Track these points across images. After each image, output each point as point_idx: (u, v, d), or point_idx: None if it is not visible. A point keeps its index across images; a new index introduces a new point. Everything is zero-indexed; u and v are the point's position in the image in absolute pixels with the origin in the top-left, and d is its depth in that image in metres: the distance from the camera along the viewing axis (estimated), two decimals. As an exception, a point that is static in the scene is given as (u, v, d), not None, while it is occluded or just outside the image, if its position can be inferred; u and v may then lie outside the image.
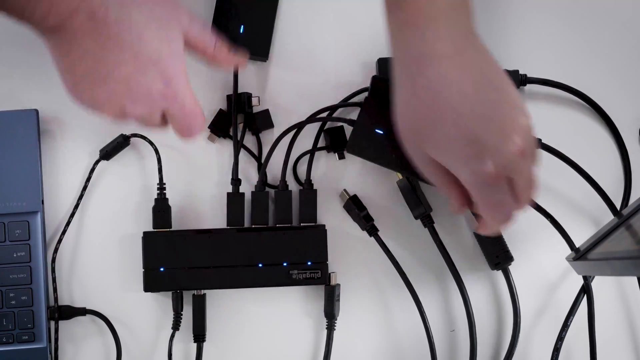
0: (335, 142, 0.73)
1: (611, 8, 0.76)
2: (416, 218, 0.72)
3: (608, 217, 0.72)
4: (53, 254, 0.72)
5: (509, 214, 0.60)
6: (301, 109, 0.73)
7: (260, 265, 0.71)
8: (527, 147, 0.56)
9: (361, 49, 0.75)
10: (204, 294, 0.72)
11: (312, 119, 0.73)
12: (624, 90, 0.75)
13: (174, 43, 0.59)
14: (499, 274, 0.73)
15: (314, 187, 0.73)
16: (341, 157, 0.74)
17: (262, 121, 0.74)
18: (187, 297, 0.72)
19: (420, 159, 0.61)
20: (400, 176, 0.72)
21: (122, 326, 0.73)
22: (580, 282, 0.72)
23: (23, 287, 0.71)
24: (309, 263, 0.71)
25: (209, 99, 0.74)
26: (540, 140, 0.71)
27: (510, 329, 0.73)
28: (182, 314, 0.72)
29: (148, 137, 0.73)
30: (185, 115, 0.61)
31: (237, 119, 0.73)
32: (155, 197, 0.72)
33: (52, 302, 0.72)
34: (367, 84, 0.71)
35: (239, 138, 0.73)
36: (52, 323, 0.72)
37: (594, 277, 0.72)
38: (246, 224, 0.73)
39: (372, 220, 0.72)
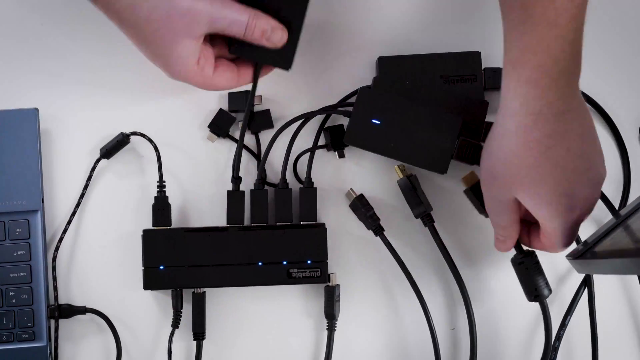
0: (335, 140, 0.73)
1: (610, 7, 0.76)
2: (417, 217, 0.72)
3: (609, 216, 0.72)
4: (54, 253, 0.72)
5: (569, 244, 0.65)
6: (301, 109, 0.74)
7: (259, 263, 0.71)
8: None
9: (361, 48, 0.75)
10: (204, 292, 0.72)
11: (309, 113, 0.73)
12: (623, 90, 0.75)
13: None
14: (499, 273, 0.73)
15: (314, 186, 0.73)
16: (341, 155, 0.74)
17: (262, 121, 0.74)
18: (187, 295, 0.72)
19: (498, 199, 0.64)
20: (400, 175, 0.72)
21: (122, 324, 0.73)
22: (580, 279, 0.73)
23: (23, 285, 0.71)
24: (309, 262, 0.71)
25: (208, 99, 0.74)
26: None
27: (510, 327, 0.73)
28: (181, 312, 0.72)
29: (148, 135, 0.73)
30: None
31: (239, 117, 0.74)
32: (155, 195, 0.73)
33: (52, 301, 0.72)
34: (368, 83, 0.71)
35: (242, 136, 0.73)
36: (52, 322, 0.72)
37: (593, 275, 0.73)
38: (246, 222, 0.73)
39: (379, 220, 0.72)
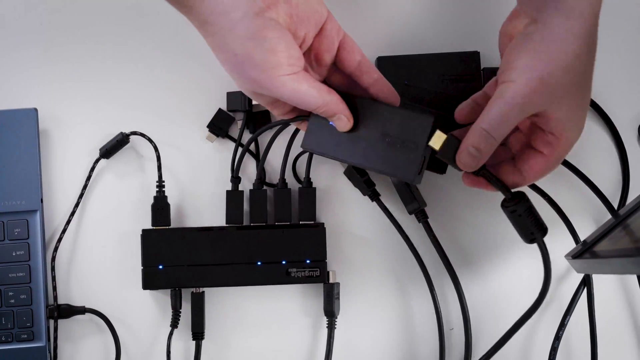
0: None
1: (609, 7, 0.76)
2: (410, 213, 0.72)
3: (608, 216, 0.73)
4: (53, 253, 0.72)
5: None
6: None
7: (259, 263, 0.71)
8: None
9: (360, 47, 0.75)
10: (203, 292, 0.72)
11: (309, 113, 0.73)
12: (622, 90, 0.75)
13: None
14: (493, 270, 0.74)
15: (313, 186, 0.73)
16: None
17: (261, 121, 0.74)
18: (186, 295, 0.72)
19: (530, 110, 0.59)
20: None
21: (121, 324, 0.73)
22: (579, 279, 0.73)
23: (22, 285, 0.71)
24: (308, 261, 0.71)
25: (208, 99, 0.74)
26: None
27: (504, 322, 0.72)
28: (180, 312, 0.72)
29: (147, 135, 0.73)
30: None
31: (237, 116, 0.74)
32: (154, 194, 0.73)
33: (51, 301, 0.72)
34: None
35: (248, 139, 0.73)
36: (51, 322, 0.72)
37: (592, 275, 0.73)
38: (245, 222, 0.73)
39: (374, 185, 0.72)
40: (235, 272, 0.71)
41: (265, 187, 0.73)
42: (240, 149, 0.73)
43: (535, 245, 0.63)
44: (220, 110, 0.74)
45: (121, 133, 0.73)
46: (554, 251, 0.69)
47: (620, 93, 0.75)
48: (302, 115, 0.65)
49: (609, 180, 0.74)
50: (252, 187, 0.72)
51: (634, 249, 0.53)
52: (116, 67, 0.75)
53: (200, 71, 0.74)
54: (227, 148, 0.74)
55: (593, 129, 0.75)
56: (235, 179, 0.72)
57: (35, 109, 0.73)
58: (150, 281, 0.71)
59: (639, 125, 0.75)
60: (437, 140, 0.61)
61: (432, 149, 0.61)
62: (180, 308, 0.72)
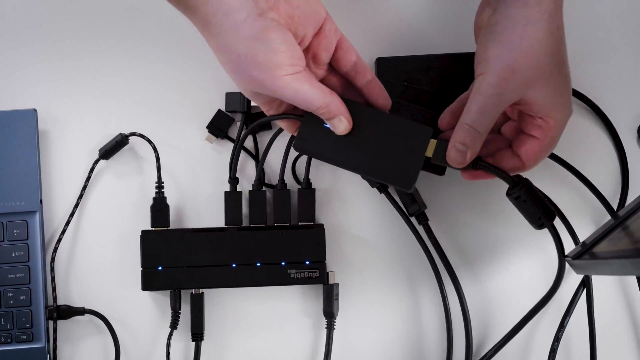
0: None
1: (609, 8, 0.76)
2: (411, 215, 0.72)
3: (607, 217, 0.72)
4: (52, 254, 0.72)
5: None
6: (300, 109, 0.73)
7: (258, 264, 0.71)
8: None
9: (360, 48, 0.74)
10: (202, 293, 0.72)
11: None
12: (621, 91, 0.75)
13: None
14: (493, 271, 0.74)
15: (313, 187, 0.73)
16: (340, 156, 0.74)
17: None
18: (185, 296, 0.72)
19: (506, 98, 0.60)
20: None
21: (121, 325, 0.73)
22: (579, 281, 0.73)
23: (21, 286, 0.71)
24: (307, 262, 0.71)
25: (208, 100, 0.74)
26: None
27: (505, 323, 0.73)
28: (180, 313, 0.72)
29: (147, 136, 0.73)
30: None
31: (237, 117, 0.74)
32: (154, 195, 0.73)
33: (50, 302, 0.72)
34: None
35: (240, 137, 0.73)
36: (51, 323, 0.72)
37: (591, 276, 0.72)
38: (245, 223, 0.73)
39: None
40: (234, 273, 0.71)
41: (264, 188, 0.73)
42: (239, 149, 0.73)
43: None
44: (219, 111, 0.74)
45: (120, 134, 0.73)
46: (553, 252, 0.69)
47: (620, 94, 0.75)
48: (295, 113, 0.65)
49: (608, 181, 0.74)
50: (251, 188, 0.72)
51: (633, 250, 0.53)
52: (115, 68, 0.75)
53: (199, 72, 0.74)
54: (226, 149, 0.74)
55: (592, 129, 0.75)
56: (233, 180, 0.72)
57: (35, 110, 0.73)
58: (149, 282, 0.71)
59: (638, 126, 0.75)
60: (430, 148, 0.62)
61: (427, 157, 0.63)
62: (180, 309, 0.72)
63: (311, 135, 0.63)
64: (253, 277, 0.71)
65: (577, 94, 0.74)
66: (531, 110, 0.62)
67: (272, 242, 0.71)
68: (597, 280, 0.73)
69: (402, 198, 0.72)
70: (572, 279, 0.73)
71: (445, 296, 0.72)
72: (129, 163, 0.75)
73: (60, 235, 0.73)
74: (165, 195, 0.73)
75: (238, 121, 0.74)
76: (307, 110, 0.61)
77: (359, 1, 0.75)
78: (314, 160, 0.73)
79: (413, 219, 0.72)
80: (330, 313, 0.72)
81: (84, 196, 0.73)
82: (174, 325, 0.71)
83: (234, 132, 0.75)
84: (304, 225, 0.72)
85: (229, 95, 0.74)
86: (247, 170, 0.75)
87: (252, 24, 0.57)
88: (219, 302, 0.73)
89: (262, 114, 0.74)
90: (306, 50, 0.62)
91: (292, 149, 0.72)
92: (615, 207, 0.73)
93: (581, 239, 0.71)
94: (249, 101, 0.73)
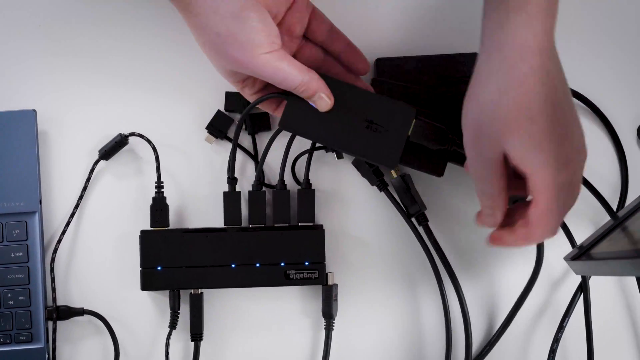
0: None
1: (608, 7, 0.76)
2: (411, 216, 0.72)
3: (606, 218, 0.72)
4: (52, 254, 0.72)
5: (557, 226, 0.58)
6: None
7: (257, 264, 0.71)
8: None
9: (360, 48, 0.75)
10: (201, 293, 0.72)
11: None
12: (621, 92, 0.75)
13: None
14: (493, 271, 0.74)
15: (312, 187, 0.73)
16: (339, 156, 0.74)
17: (260, 123, 0.74)
18: (185, 296, 0.72)
19: (486, 157, 0.57)
20: (394, 175, 0.71)
21: (120, 325, 0.73)
22: (578, 281, 0.73)
23: (21, 287, 0.71)
24: (307, 263, 0.71)
25: (207, 100, 0.74)
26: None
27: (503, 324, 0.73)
28: (179, 313, 0.72)
29: (146, 136, 0.73)
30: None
31: (236, 117, 0.74)
32: (153, 195, 0.73)
33: (50, 302, 0.72)
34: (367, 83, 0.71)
35: (237, 124, 0.73)
36: (50, 323, 0.72)
37: (590, 277, 0.72)
38: (244, 224, 0.73)
39: (382, 175, 0.72)
40: (233, 273, 0.71)
41: (264, 189, 0.73)
42: (237, 150, 0.73)
43: (535, 246, 0.64)
44: (219, 111, 0.74)
45: (120, 134, 0.73)
46: (553, 253, 0.70)
47: (619, 95, 0.75)
48: (278, 92, 0.65)
49: (607, 182, 0.74)
50: (251, 189, 0.72)
51: (632, 251, 0.53)
52: (115, 68, 0.75)
53: (199, 72, 0.74)
54: (226, 149, 0.74)
55: (592, 130, 0.75)
56: (232, 180, 0.72)
57: (34, 110, 0.73)
58: (148, 282, 0.71)
59: (637, 127, 0.75)
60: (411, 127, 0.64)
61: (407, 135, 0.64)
62: (179, 309, 0.72)
63: (296, 113, 0.64)
64: (252, 277, 0.71)
65: (576, 94, 0.74)
66: (516, 167, 0.56)
67: (272, 243, 0.71)
68: (596, 281, 0.73)
69: (402, 198, 0.72)
70: (571, 281, 0.73)
71: (445, 296, 0.72)
72: (128, 163, 0.75)
73: (59, 236, 0.73)
74: (164, 195, 0.73)
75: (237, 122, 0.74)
76: (285, 89, 0.62)
77: (359, 1, 0.75)
78: (314, 161, 0.73)
79: (413, 220, 0.72)
80: (329, 314, 0.72)
81: (83, 196, 0.73)
82: (173, 325, 0.72)
83: (233, 132, 0.75)
84: (303, 226, 0.72)
85: (229, 95, 0.74)
86: (247, 171, 0.75)
87: (231, 2, 0.58)
88: (218, 303, 0.73)
89: (262, 114, 0.74)
90: (280, 25, 0.63)
91: (289, 149, 0.72)
92: (614, 207, 0.73)
93: (581, 239, 0.71)
94: (248, 102, 0.73)
